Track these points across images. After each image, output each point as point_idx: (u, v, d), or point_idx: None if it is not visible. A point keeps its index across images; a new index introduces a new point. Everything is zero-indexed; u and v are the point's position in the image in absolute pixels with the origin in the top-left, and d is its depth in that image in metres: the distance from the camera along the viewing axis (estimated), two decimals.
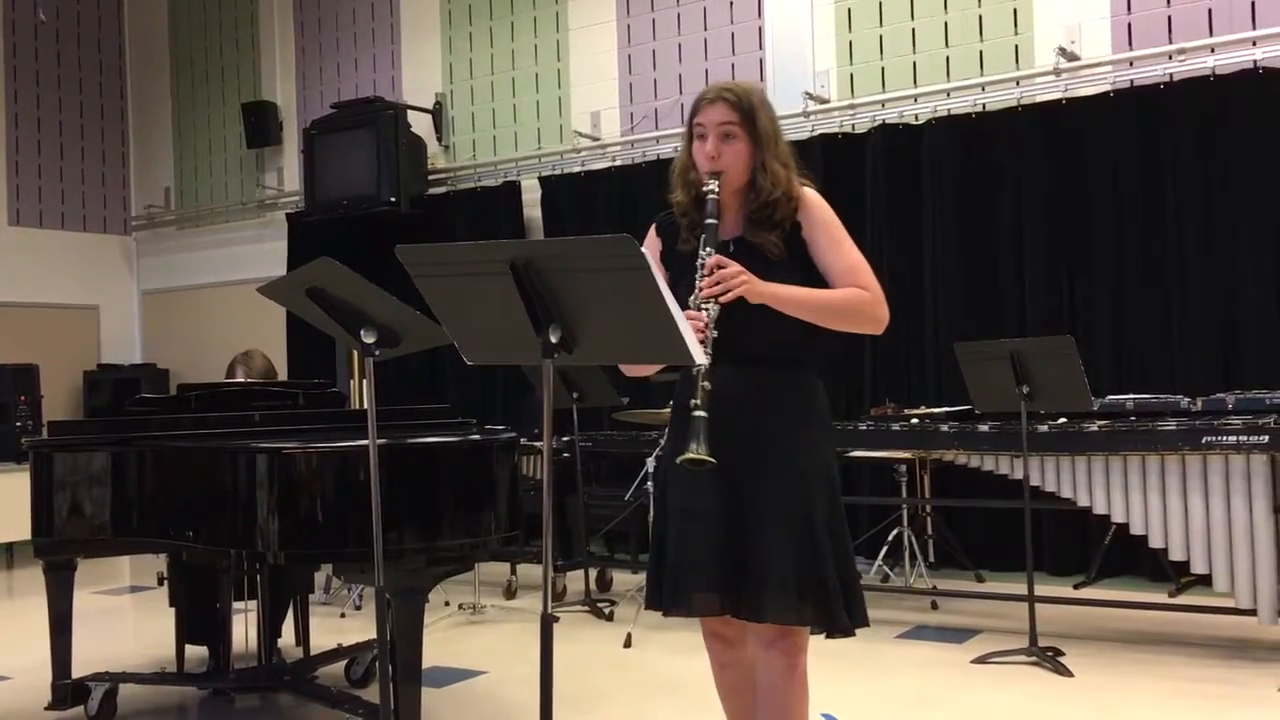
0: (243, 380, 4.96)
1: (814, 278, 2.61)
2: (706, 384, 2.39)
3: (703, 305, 2.46)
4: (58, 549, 4.13)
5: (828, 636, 2.58)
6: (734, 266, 2.49)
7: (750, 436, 2.56)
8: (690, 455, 2.35)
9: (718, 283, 2.46)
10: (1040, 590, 4.87)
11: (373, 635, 4.04)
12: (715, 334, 2.44)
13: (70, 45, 10.59)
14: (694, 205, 2.63)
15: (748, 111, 2.59)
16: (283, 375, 8.95)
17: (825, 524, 2.55)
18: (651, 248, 2.73)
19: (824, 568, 2.52)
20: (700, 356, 2.23)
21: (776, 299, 2.52)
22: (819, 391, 2.69)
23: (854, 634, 2.57)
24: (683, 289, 2.53)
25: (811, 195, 2.63)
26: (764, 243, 2.59)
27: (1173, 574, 5.74)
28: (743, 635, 2.71)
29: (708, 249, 2.51)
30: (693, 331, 2.29)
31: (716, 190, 2.56)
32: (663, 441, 5.77)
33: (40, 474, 4.06)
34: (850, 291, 2.59)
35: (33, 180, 10.31)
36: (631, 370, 2.76)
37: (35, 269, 10.14)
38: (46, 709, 4.18)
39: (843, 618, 2.53)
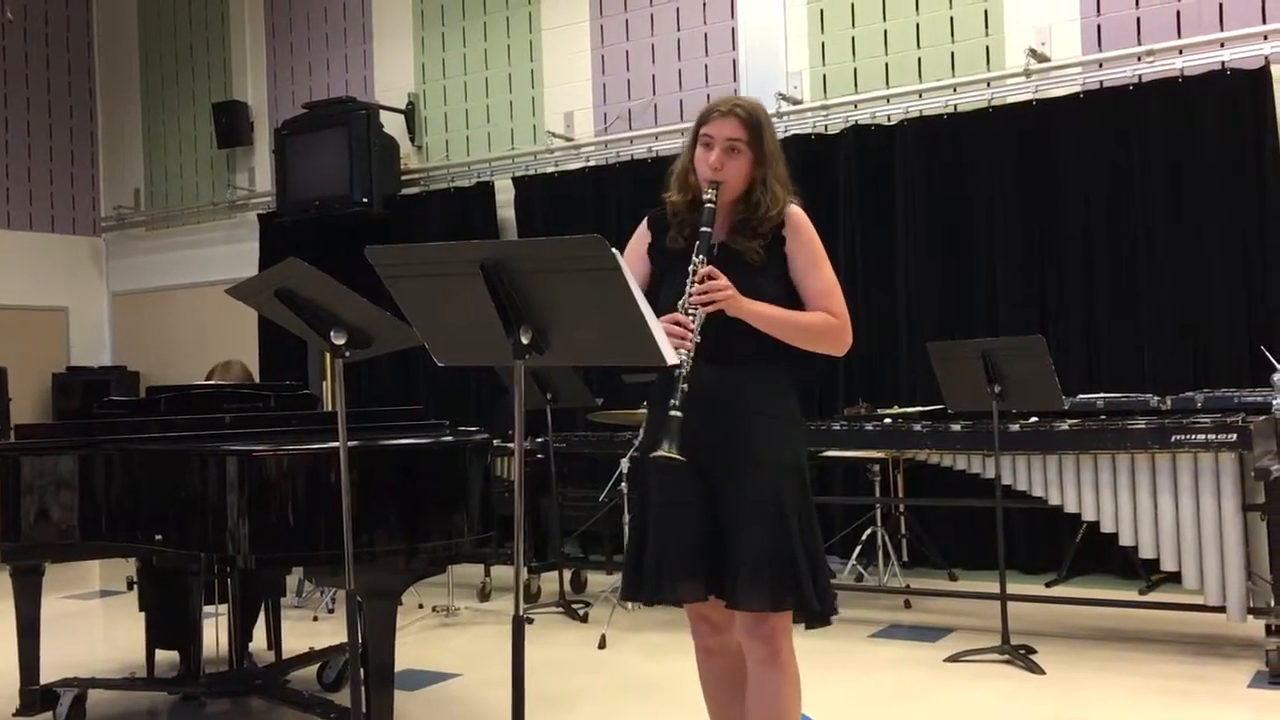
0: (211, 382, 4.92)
1: (790, 286, 2.75)
2: (685, 385, 2.51)
3: (690, 310, 2.59)
4: (25, 554, 4.08)
5: (808, 626, 2.71)
6: (723, 280, 2.61)
7: (726, 432, 2.68)
8: (662, 453, 2.47)
9: (705, 292, 2.59)
10: (1012, 588, 4.90)
11: (345, 639, 4.01)
12: (699, 339, 2.56)
13: (38, 44, 10.49)
14: (688, 208, 2.76)
15: (756, 130, 2.71)
16: (256, 377, 8.94)
17: (795, 513, 2.67)
18: (641, 240, 2.89)
19: (793, 552, 2.63)
20: (672, 357, 2.26)
21: (753, 316, 2.65)
22: (790, 390, 2.81)
23: (829, 621, 2.71)
24: (668, 286, 2.71)
25: (799, 214, 2.76)
26: (745, 250, 2.71)
27: (1143, 572, 5.79)
28: (729, 620, 2.77)
29: (700, 257, 2.63)
30: (664, 332, 2.36)
31: (714, 199, 2.68)
32: (636, 441, 5.78)
33: (7, 478, 4.00)
34: (821, 316, 2.73)
35: (0, 181, 10.20)
36: None
37: (3, 270, 10.02)
38: (14, 715, 4.13)
39: (813, 599, 2.64)
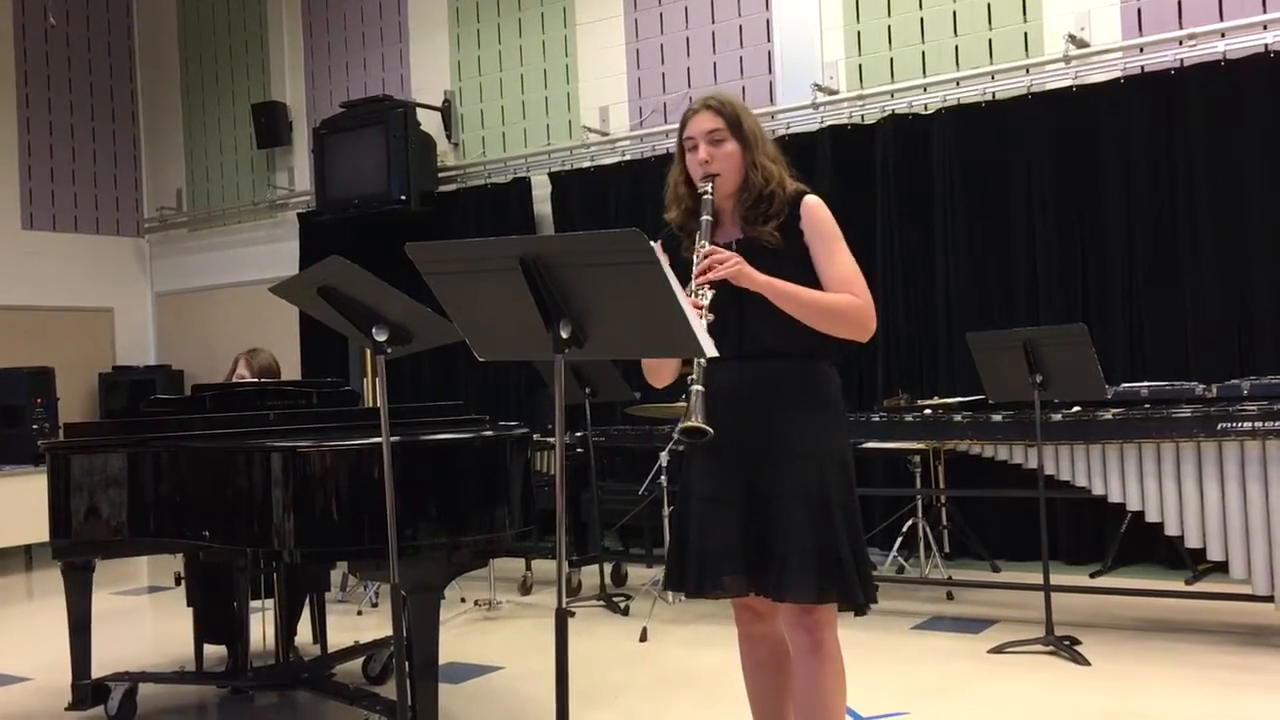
0: (248, 377, 4.99)
1: (811, 272, 2.71)
2: (702, 361, 2.46)
3: (697, 290, 2.54)
4: (76, 550, 4.16)
5: (857, 614, 2.68)
6: (726, 253, 2.59)
7: (766, 428, 2.67)
8: (687, 424, 2.44)
9: (710, 268, 2.56)
10: (1056, 579, 4.87)
11: (389, 632, 4.05)
12: (711, 317, 2.51)
13: (80, 49, 10.63)
14: (689, 218, 2.75)
15: (732, 117, 2.72)
16: (296, 374, 9.03)
17: (840, 505, 2.67)
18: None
19: (840, 545, 2.64)
20: (711, 349, 2.25)
21: (768, 287, 2.60)
22: (831, 381, 2.78)
23: (866, 611, 2.68)
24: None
25: (813, 202, 2.73)
26: (761, 234, 2.69)
27: (1189, 561, 5.73)
28: (773, 608, 2.77)
29: (703, 242, 2.61)
30: (703, 324, 2.34)
31: (711, 191, 2.68)
32: (675, 434, 5.79)
33: (57, 476, 4.09)
34: (843, 297, 2.68)
35: (45, 184, 10.36)
36: (654, 377, 2.88)
37: (49, 272, 10.19)
38: (67, 709, 4.21)
39: (858, 593, 2.64)
